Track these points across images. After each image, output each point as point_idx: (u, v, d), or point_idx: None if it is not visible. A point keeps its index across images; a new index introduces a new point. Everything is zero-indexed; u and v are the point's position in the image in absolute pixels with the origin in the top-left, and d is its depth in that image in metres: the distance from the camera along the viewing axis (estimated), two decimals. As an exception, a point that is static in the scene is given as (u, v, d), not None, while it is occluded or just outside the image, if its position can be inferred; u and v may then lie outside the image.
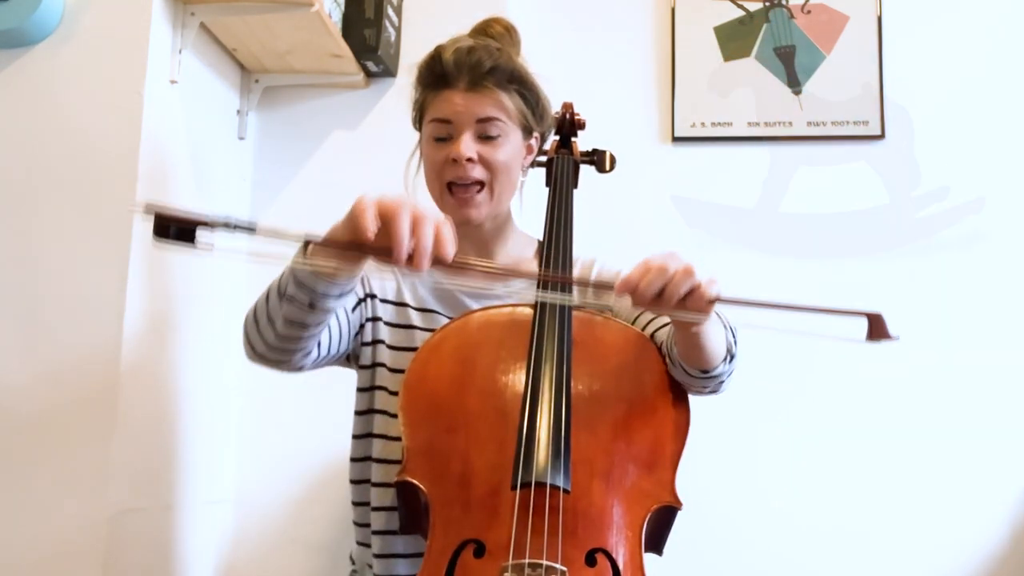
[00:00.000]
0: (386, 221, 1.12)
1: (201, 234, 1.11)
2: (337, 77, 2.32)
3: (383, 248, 1.13)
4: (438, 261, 1.13)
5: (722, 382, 1.42)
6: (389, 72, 2.34)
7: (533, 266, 1.66)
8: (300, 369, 1.47)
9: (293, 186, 2.36)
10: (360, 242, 1.15)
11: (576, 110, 1.77)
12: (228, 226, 1.11)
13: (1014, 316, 2.31)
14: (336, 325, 1.49)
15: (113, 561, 1.75)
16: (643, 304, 1.19)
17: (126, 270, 1.79)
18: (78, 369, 1.78)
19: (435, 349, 1.42)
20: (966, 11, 2.45)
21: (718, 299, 1.20)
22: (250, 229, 1.12)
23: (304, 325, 1.35)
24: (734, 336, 1.41)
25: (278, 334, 1.36)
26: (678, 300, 1.17)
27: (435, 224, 1.13)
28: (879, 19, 2.45)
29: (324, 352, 1.49)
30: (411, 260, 1.12)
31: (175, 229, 1.10)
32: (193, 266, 2.07)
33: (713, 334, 1.32)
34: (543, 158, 1.72)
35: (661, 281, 1.17)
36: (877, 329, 1.14)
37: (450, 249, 1.14)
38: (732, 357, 1.40)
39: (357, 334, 1.58)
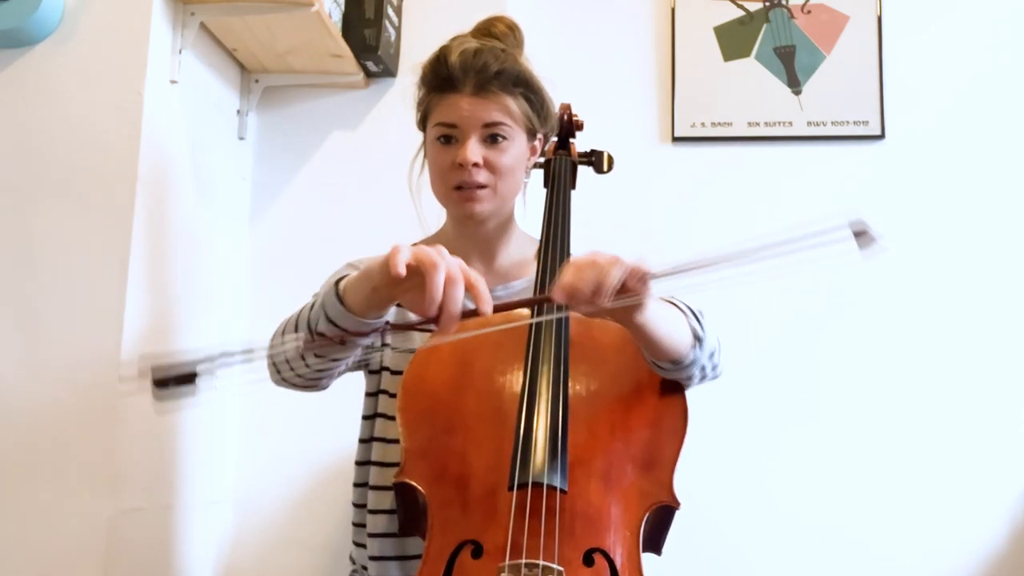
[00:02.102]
0: (421, 272, 1.13)
1: (201, 378, 1.06)
2: (337, 77, 2.32)
3: (414, 299, 1.15)
4: (467, 315, 1.14)
5: (703, 367, 1.40)
6: (389, 72, 2.34)
7: (534, 267, 1.67)
8: (325, 388, 1.51)
9: (293, 186, 2.36)
10: (391, 284, 1.17)
11: (574, 111, 1.76)
12: (225, 358, 1.07)
13: (1014, 317, 2.31)
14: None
15: (113, 561, 1.76)
16: (582, 304, 1.17)
17: (126, 269, 1.79)
18: (79, 369, 1.78)
19: (433, 350, 1.42)
20: (966, 11, 2.45)
21: (651, 275, 1.18)
22: (247, 354, 1.10)
23: (335, 359, 1.39)
24: (698, 320, 1.40)
25: (309, 367, 1.40)
26: (615, 290, 1.16)
27: (467, 283, 1.14)
28: (879, 19, 2.45)
29: (344, 368, 1.50)
30: (438, 320, 1.12)
31: (174, 381, 1.06)
32: (193, 266, 2.07)
33: (666, 323, 1.31)
34: (541, 159, 1.72)
35: (593, 275, 1.15)
36: (864, 236, 1.09)
37: (487, 307, 1.14)
38: (701, 341, 1.38)
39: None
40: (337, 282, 1.32)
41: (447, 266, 1.12)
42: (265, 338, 1.36)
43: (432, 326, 1.14)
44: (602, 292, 1.15)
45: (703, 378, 1.43)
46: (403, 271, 1.13)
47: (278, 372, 1.45)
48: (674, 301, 1.38)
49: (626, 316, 1.24)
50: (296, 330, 1.38)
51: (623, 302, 1.19)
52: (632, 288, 1.18)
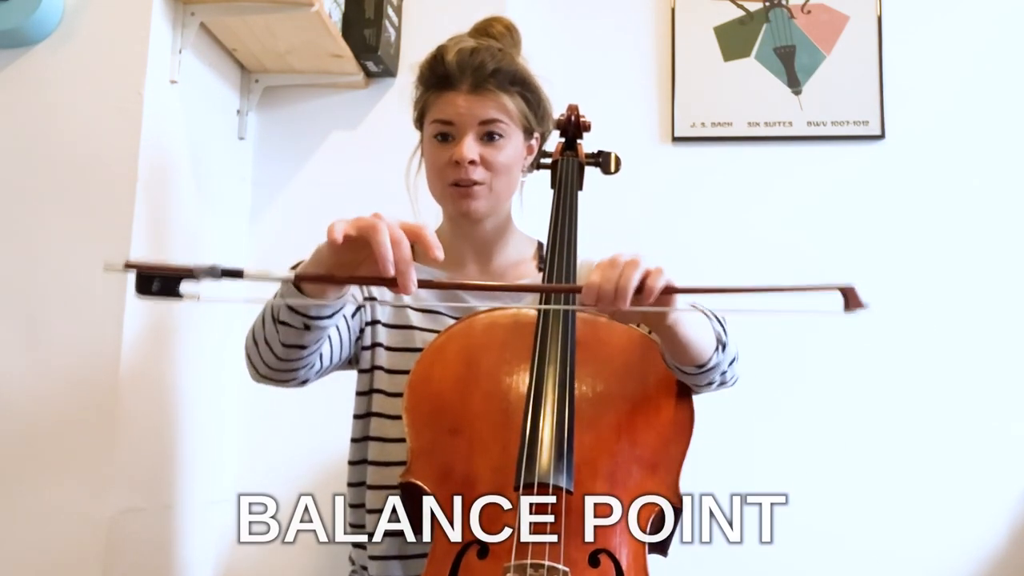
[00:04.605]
0: (365, 238, 1.13)
1: (186, 286, 1.06)
2: (337, 77, 2.32)
3: (371, 267, 1.14)
4: (424, 284, 1.14)
5: (723, 372, 1.41)
6: (389, 72, 2.34)
7: (533, 267, 1.67)
8: (305, 383, 1.50)
9: (293, 186, 2.36)
10: (337, 255, 1.17)
11: (581, 112, 1.76)
12: (214, 274, 1.06)
13: (1014, 318, 2.32)
14: (336, 333, 1.50)
15: (113, 561, 1.75)
16: (607, 305, 1.18)
17: (126, 270, 1.79)
18: (79, 370, 1.78)
19: (440, 350, 1.42)
20: (966, 11, 2.45)
21: (672, 288, 1.20)
22: (237, 274, 1.08)
23: (302, 346, 1.38)
24: (722, 325, 1.41)
25: (278, 357, 1.39)
26: (633, 293, 1.17)
27: (414, 235, 1.15)
28: (879, 19, 2.45)
29: (327, 362, 1.51)
30: (395, 283, 1.12)
31: (158, 284, 1.05)
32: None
33: (694, 327, 1.32)
34: (548, 160, 1.71)
35: (614, 275, 1.18)
36: (852, 299, 1.13)
37: (438, 253, 1.15)
38: (724, 346, 1.39)
39: (358, 339, 1.58)
40: (292, 269, 1.32)
41: (389, 227, 1.13)
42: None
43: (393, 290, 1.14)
44: (622, 293, 1.17)
45: (721, 384, 1.44)
46: (340, 238, 1.14)
47: (253, 366, 1.45)
48: (697, 306, 1.38)
49: (656, 320, 1.27)
50: (263, 325, 1.38)
51: (647, 308, 1.20)
52: (650, 297, 1.18)
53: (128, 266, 1.05)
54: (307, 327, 1.33)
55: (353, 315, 1.56)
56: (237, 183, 2.31)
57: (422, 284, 1.14)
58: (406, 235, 1.14)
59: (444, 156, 1.54)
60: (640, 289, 1.18)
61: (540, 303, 1.46)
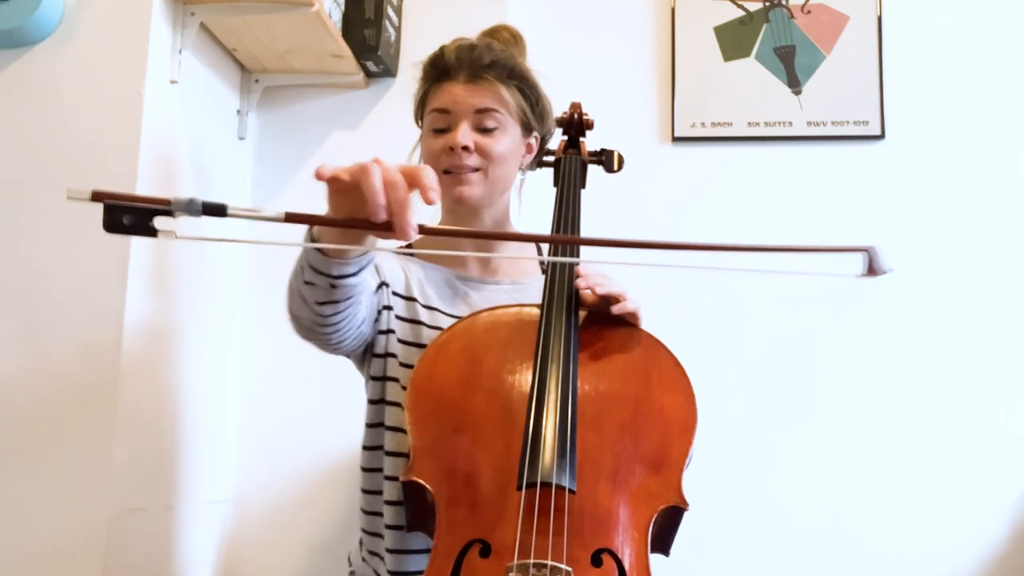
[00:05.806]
0: (358, 183, 1.05)
1: (160, 221, 0.93)
2: (337, 77, 2.32)
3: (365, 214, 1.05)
4: (423, 231, 1.06)
5: None
6: (389, 72, 2.34)
7: (535, 264, 1.67)
8: (341, 344, 1.44)
9: (293, 186, 2.35)
10: (335, 205, 1.11)
11: (584, 110, 1.77)
12: (193, 209, 0.94)
13: (1014, 317, 2.32)
14: (367, 298, 1.45)
15: (113, 561, 1.75)
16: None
17: (126, 269, 1.79)
18: (78, 369, 1.78)
19: (442, 348, 1.42)
20: (965, 11, 2.45)
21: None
22: (220, 211, 0.95)
23: (335, 301, 1.32)
24: None
25: (316, 312, 1.34)
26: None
27: (411, 179, 1.06)
28: (879, 19, 2.45)
29: (363, 324, 1.46)
30: (393, 227, 1.04)
31: (129, 218, 0.93)
32: (193, 264, 2.06)
33: None
34: (551, 158, 1.72)
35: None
36: (874, 263, 1.13)
37: (433, 196, 1.06)
38: None
39: (376, 319, 1.56)
40: (310, 227, 1.25)
41: (382, 170, 1.05)
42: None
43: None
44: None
45: None
46: (325, 174, 1.07)
47: (297, 322, 1.40)
48: None
49: None
50: (296, 283, 1.33)
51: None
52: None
53: (96, 196, 0.93)
54: (333, 286, 1.28)
55: (376, 291, 1.53)
56: (237, 183, 2.31)
57: (422, 230, 1.05)
58: (404, 179, 1.05)
59: (440, 143, 1.56)
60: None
61: (544, 291, 1.45)
